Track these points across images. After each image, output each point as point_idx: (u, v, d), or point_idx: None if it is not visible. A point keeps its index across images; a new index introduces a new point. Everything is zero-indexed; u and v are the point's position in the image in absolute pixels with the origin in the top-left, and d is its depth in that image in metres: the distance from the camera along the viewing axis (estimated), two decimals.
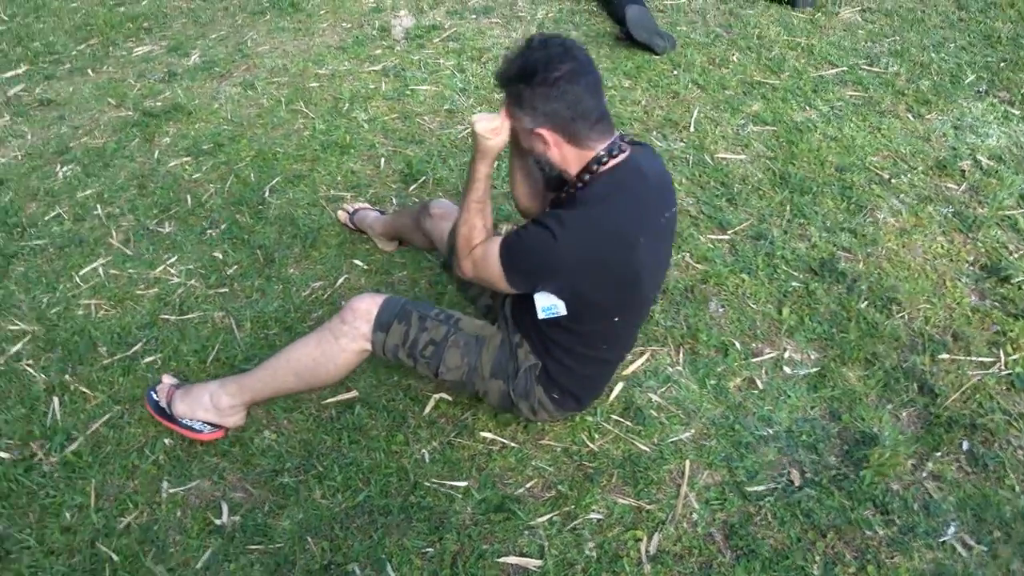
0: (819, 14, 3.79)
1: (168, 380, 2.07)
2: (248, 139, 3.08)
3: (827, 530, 1.72)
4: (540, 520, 1.76)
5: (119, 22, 4.12)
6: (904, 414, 1.98)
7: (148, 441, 1.97)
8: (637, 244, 1.61)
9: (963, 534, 1.72)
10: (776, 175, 2.76)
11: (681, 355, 2.14)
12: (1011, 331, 2.16)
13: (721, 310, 2.26)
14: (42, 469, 1.93)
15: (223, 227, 2.65)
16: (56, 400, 2.09)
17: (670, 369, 2.10)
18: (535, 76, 1.53)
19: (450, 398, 2.04)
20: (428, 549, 1.71)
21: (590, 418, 1.97)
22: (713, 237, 2.52)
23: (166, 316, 2.34)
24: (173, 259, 2.54)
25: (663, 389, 2.04)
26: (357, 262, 2.49)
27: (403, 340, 1.84)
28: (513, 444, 1.93)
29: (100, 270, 2.51)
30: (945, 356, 2.10)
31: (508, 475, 1.87)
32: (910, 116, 3.07)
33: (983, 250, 2.45)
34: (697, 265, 2.41)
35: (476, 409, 2.00)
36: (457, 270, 1.76)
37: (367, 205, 2.67)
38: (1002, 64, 3.37)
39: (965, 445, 1.89)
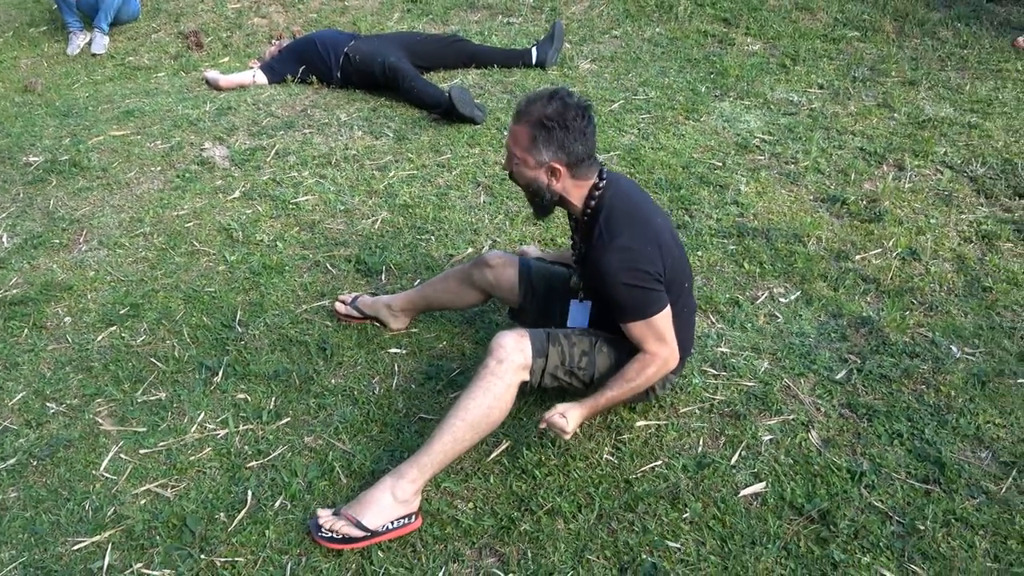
0: (566, 69, 4.62)
1: (323, 511, 1.98)
2: (164, 291, 2.86)
3: (903, 379, 2.34)
4: (733, 459, 2.10)
5: None
6: (867, 299, 2.70)
7: (358, 566, 1.88)
8: (660, 217, 2.10)
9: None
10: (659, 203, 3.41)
11: (711, 317, 2.63)
12: (873, 232, 3.04)
13: (705, 281, 2.81)
14: None
15: (222, 372, 2.49)
16: None
17: (712, 329, 2.57)
18: (573, 120, 1.92)
19: None
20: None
21: (695, 380, 2.35)
22: None
23: (251, 464, 2.17)
24: (199, 416, 2.33)
25: (722, 343, 2.51)
26: (394, 350, 2.55)
27: (561, 360, 2.07)
28: (663, 422, 2.23)
29: (123, 456, 2.21)
30: (858, 256, 2.90)
31: (683, 443, 2.17)
32: (692, 122, 3.97)
33: (814, 191, 3.34)
34: None
35: (610, 414, 2.25)
36: (668, 365, 2.04)
37: (359, 293, 2.72)
38: (712, 75, 4.47)
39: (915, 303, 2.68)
